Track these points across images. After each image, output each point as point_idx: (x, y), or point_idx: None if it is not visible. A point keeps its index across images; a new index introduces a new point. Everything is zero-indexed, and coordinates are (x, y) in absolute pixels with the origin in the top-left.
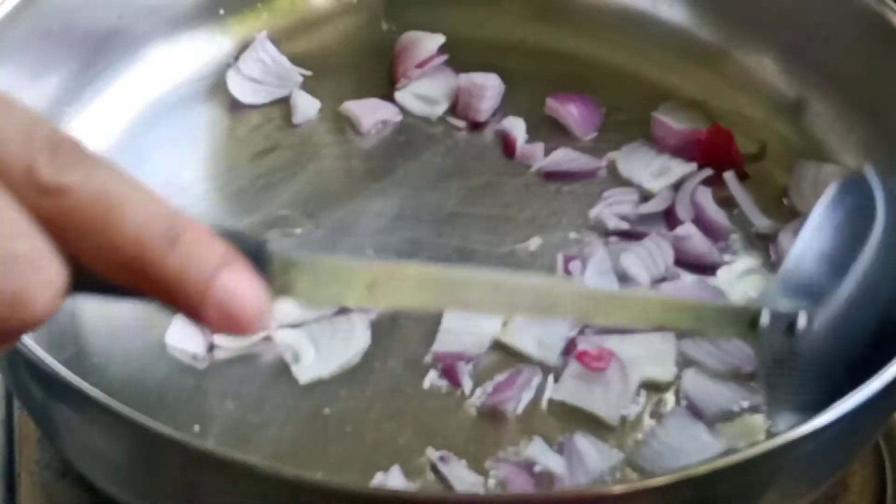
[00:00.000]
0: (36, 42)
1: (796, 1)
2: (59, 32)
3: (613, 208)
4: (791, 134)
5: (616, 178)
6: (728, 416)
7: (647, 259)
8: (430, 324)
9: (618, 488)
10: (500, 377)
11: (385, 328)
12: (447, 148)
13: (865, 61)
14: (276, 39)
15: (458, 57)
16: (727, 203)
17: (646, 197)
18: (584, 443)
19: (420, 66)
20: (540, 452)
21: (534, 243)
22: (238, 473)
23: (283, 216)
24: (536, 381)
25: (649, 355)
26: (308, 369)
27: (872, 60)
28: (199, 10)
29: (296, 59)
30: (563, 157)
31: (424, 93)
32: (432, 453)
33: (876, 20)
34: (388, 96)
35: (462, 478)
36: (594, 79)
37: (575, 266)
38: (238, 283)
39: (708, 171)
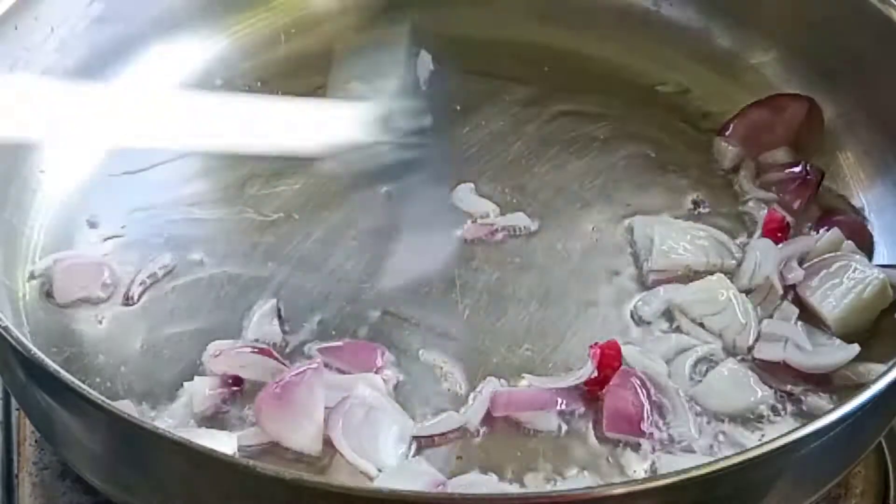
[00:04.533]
0: (35, 41)
1: (801, 1)
2: (58, 32)
3: None
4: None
5: None
6: None
7: None
8: None
9: (619, 489)
10: None
11: None
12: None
13: (868, 61)
14: (276, 38)
15: (458, 57)
16: None
17: None
18: None
19: None
20: None
21: None
22: (238, 474)
23: (283, 215)
24: None
25: None
26: None
27: (876, 60)
28: (199, 11)
29: (296, 58)
30: None
31: None
32: None
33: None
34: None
35: None
36: (593, 77)
37: None
38: None
39: None
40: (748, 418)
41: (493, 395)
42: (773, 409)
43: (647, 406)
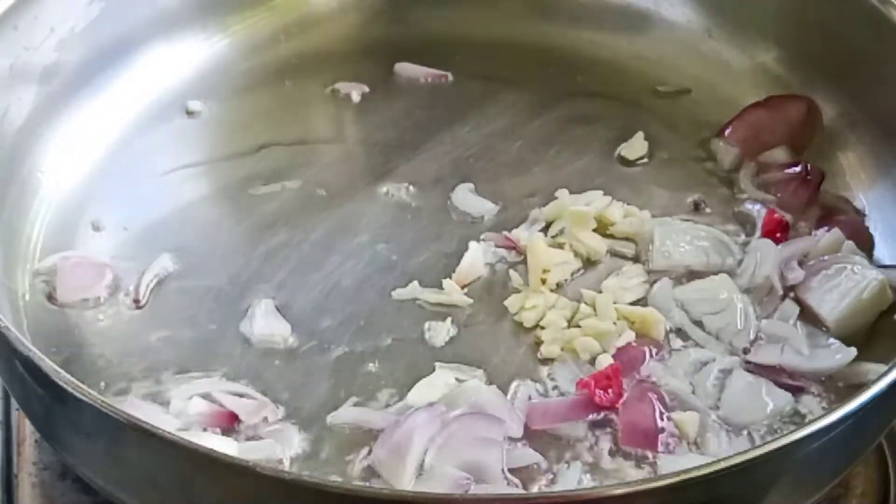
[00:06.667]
0: (35, 41)
1: (801, 1)
2: (58, 32)
3: None
4: None
5: None
6: None
7: None
8: None
9: (619, 489)
10: None
11: None
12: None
13: (868, 61)
14: (276, 38)
15: (459, 56)
16: None
17: None
18: None
19: None
20: None
21: None
22: (237, 474)
23: (283, 214)
24: None
25: None
26: None
27: (876, 60)
28: (199, 11)
29: (296, 58)
30: None
31: None
32: None
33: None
34: (386, 94)
35: None
36: (593, 77)
37: None
38: None
39: None
40: (778, 425)
41: (529, 408)
42: (797, 410)
43: (662, 420)
